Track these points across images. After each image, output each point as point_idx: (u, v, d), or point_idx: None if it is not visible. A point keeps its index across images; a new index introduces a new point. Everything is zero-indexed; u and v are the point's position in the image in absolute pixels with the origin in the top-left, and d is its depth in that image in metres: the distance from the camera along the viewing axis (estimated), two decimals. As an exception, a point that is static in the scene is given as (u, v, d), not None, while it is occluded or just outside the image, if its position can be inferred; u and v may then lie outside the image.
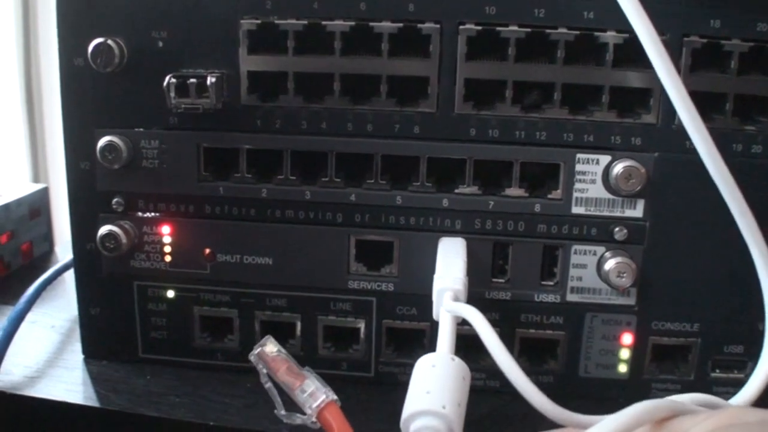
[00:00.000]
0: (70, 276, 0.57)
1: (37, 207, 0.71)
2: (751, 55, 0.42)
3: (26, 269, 0.69)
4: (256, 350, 0.40)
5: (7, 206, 0.66)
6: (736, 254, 0.42)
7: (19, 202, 0.68)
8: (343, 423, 0.37)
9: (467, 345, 0.40)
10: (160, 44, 0.45)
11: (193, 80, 0.44)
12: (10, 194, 0.68)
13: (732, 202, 0.40)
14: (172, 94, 0.44)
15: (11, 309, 0.52)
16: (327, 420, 0.37)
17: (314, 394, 0.38)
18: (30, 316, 0.53)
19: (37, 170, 0.99)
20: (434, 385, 0.33)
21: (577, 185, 0.45)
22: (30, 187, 0.72)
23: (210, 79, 0.43)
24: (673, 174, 0.44)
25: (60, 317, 0.58)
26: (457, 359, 0.35)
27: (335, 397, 0.38)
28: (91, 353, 0.51)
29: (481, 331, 0.36)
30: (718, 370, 0.47)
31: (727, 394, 0.43)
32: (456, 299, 0.40)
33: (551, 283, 0.47)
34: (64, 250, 0.74)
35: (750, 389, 0.42)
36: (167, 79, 0.44)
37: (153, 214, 0.48)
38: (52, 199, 0.74)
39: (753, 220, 0.40)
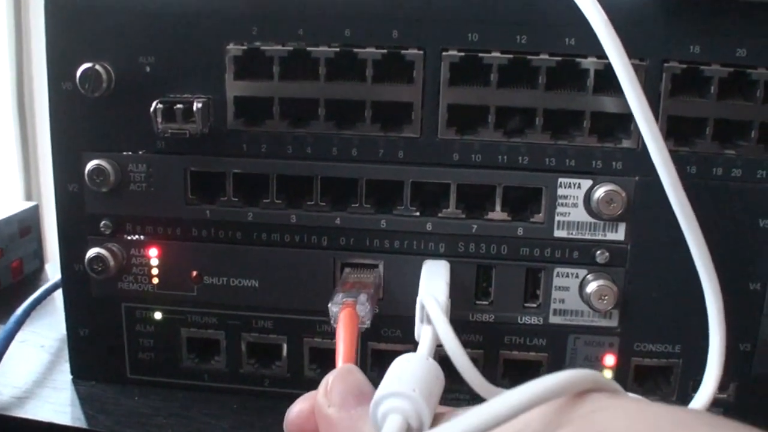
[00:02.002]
0: (59, 295, 0.57)
1: (27, 225, 0.71)
2: (730, 80, 0.43)
3: (16, 287, 0.69)
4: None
5: (-3, 224, 0.67)
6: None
7: (9, 220, 0.68)
8: (349, 326, 0.39)
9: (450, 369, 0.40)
10: (148, 69, 0.45)
11: (179, 106, 0.44)
12: (0, 212, 0.68)
13: (687, 227, 0.40)
14: (159, 119, 0.44)
15: (1, 328, 0.53)
16: (341, 318, 0.40)
17: (347, 298, 0.42)
18: (19, 335, 0.54)
19: (30, 188, 0.99)
20: (406, 373, 0.33)
21: (559, 209, 0.45)
22: (20, 205, 0.72)
23: (196, 105, 0.44)
24: (654, 198, 0.44)
25: (49, 336, 0.58)
26: (432, 360, 0.35)
27: (361, 313, 0.41)
28: (79, 374, 0.52)
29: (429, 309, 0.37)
30: (699, 391, 0.48)
31: (708, 415, 0.44)
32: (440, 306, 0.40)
33: (534, 305, 0.47)
34: (54, 267, 0.74)
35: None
36: (154, 104, 0.44)
37: (141, 236, 0.48)
38: (43, 216, 0.74)
39: (705, 246, 0.40)
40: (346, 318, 0.40)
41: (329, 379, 0.31)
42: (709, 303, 0.41)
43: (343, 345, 0.37)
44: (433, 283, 0.43)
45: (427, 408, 0.31)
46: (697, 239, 0.40)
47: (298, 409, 0.32)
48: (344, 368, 0.33)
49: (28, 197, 0.98)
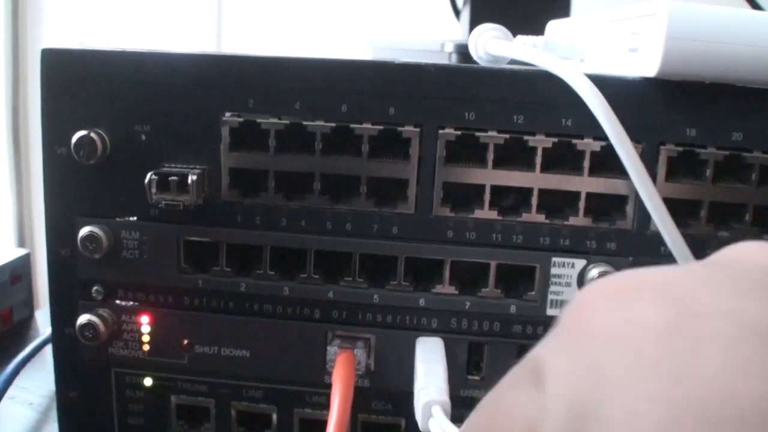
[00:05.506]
0: (49, 350, 0.57)
1: (18, 273, 0.71)
2: (726, 164, 0.43)
3: (6, 335, 0.69)
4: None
5: (-12, 273, 0.66)
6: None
7: (1, 269, 0.68)
8: (345, 368, 0.44)
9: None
10: (143, 138, 0.45)
11: (174, 178, 0.44)
12: (-9, 260, 0.68)
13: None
14: (153, 190, 0.44)
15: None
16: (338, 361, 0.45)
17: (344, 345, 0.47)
18: (8, 392, 0.53)
19: (23, 235, 0.99)
20: None
21: (553, 288, 0.45)
22: (12, 253, 0.71)
23: (191, 177, 0.44)
24: (648, 278, 0.44)
25: (38, 393, 0.58)
26: None
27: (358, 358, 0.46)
28: (68, 436, 0.51)
29: None
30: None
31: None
32: (445, 412, 0.40)
33: (526, 382, 0.47)
34: (44, 314, 0.74)
35: None
36: (148, 176, 0.44)
37: (132, 303, 0.48)
38: (35, 263, 0.74)
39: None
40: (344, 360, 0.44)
41: None
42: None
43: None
44: (432, 368, 0.43)
45: None
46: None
47: None
48: None
49: (21, 243, 0.97)
